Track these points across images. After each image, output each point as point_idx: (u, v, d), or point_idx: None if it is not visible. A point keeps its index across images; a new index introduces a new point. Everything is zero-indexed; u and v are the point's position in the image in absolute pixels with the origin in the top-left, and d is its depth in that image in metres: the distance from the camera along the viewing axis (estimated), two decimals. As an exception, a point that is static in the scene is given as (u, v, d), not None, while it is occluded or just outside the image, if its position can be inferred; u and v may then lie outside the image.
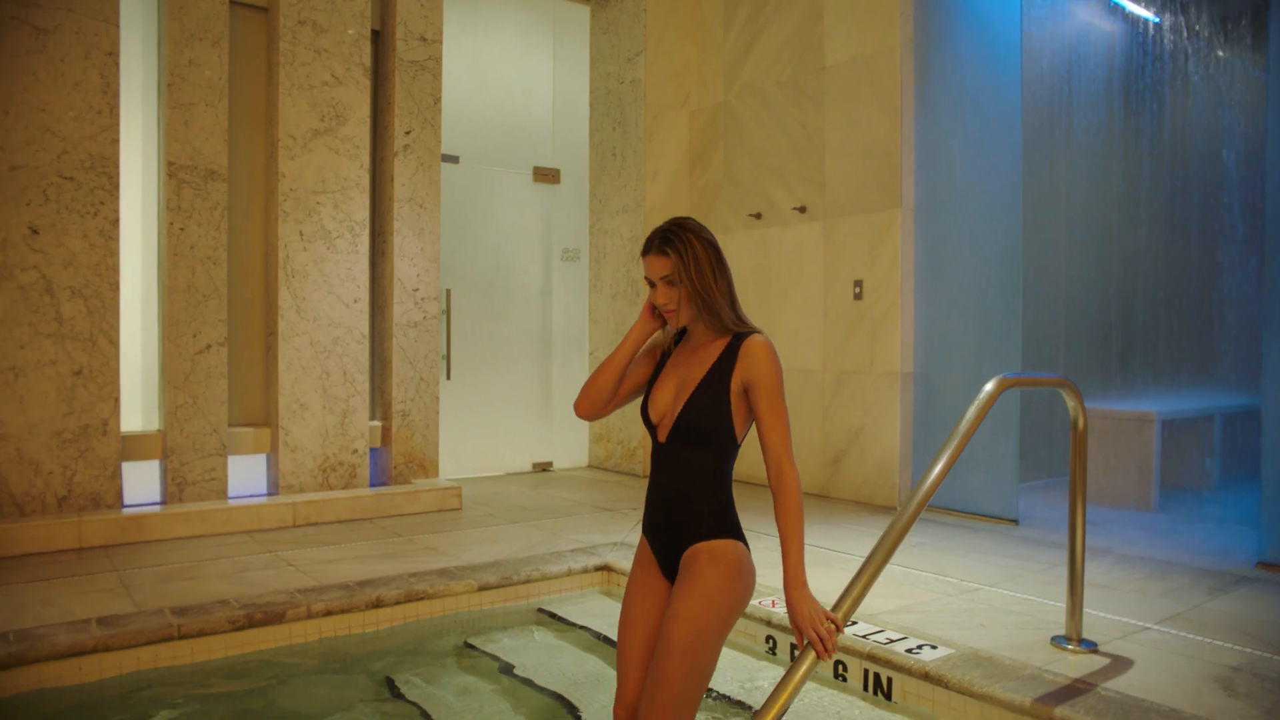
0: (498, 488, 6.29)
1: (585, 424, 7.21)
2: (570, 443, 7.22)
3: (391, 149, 5.53)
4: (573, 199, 7.26)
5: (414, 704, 2.86)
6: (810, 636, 1.93)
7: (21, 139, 4.39)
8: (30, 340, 4.43)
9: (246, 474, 5.23)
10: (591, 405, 2.18)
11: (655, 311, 2.13)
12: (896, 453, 5.45)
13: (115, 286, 4.64)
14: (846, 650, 2.96)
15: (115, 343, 4.65)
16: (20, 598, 3.47)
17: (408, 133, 5.56)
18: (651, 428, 2.16)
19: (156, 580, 3.75)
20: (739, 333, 2.08)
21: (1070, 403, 2.89)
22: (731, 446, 2.09)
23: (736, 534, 2.09)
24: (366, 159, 5.38)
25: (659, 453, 2.15)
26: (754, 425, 2.10)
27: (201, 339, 4.89)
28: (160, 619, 3.18)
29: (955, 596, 3.55)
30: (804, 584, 1.97)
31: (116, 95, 4.63)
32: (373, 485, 5.51)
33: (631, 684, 2.09)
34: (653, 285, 2.08)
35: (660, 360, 2.22)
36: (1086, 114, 6.48)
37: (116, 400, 4.65)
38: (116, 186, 4.64)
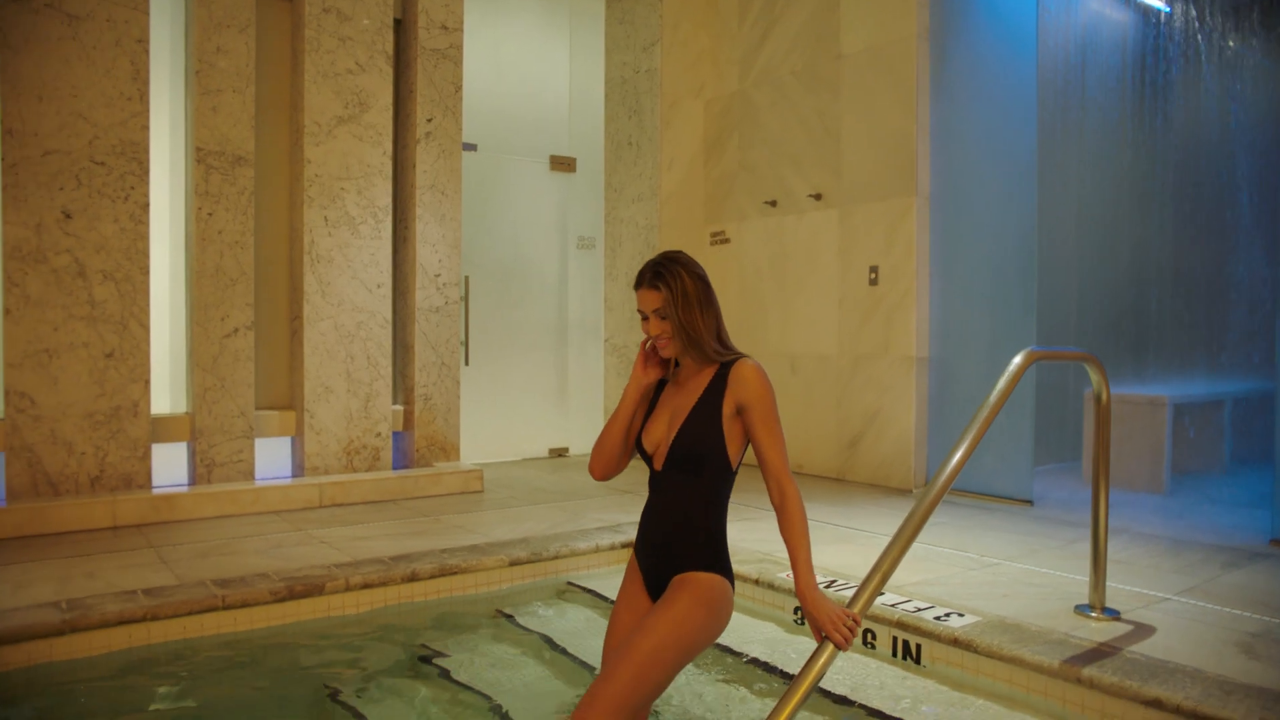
0: (516, 472, 6.37)
1: (600, 410, 7.29)
2: (585, 428, 7.30)
3: (414, 136, 5.60)
4: (588, 188, 7.34)
5: (449, 671, 2.93)
6: (835, 638, 1.98)
7: (54, 124, 4.46)
8: (63, 323, 4.51)
9: (270, 457, 5.31)
10: (606, 467, 2.24)
11: (649, 363, 2.19)
12: (912, 435, 5.52)
13: (145, 270, 4.72)
14: (875, 618, 3.04)
15: (145, 326, 4.73)
16: (64, 571, 3.56)
17: (429, 120, 5.63)
18: (647, 458, 2.21)
19: (193, 556, 3.84)
20: (728, 360, 2.14)
21: (1094, 377, 2.97)
22: (727, 473, 2.14)
23: (724, 569, 2.14)
24: (389, 146, 5.45)
25: (655, 481, 2.20)
26: (750, 448, 2.15)
27: (229, 322, 4.97)
28: (204, 590, 3.27)
29: (977, 570, 3.63)
30: (817, 587, 2.03)
31: (146, 82, 4.70)
32: (395, 468, 5.59)
33: None
34: (645, 318, 2.15)
35: (655, 392, 2.26)
36: (1099, 103, 6.54)
37: (147, 382, 4.73)
38: (146, 172, 4.71)
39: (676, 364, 2.23)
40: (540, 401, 7.12)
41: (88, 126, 4.54)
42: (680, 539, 2.12)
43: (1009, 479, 5.13)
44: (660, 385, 2.27)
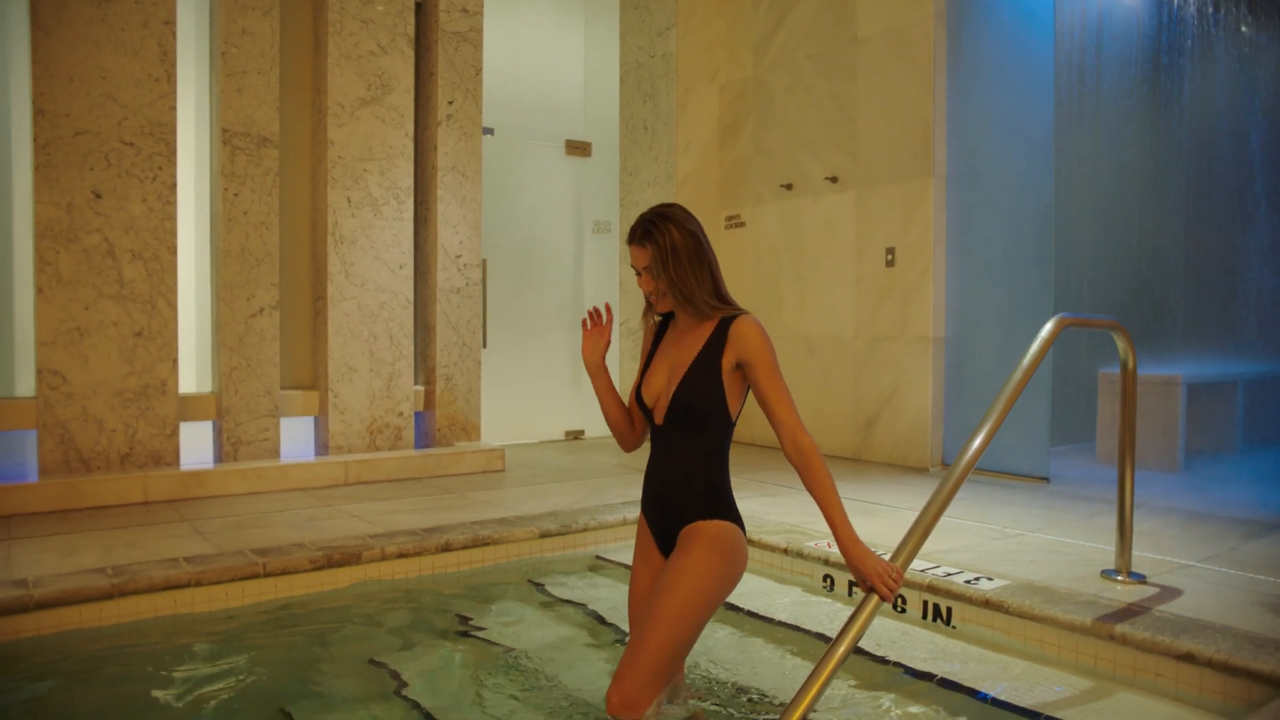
0: (534, 453, 6.42)
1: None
2: (601, 412, 7.35)
3: (435, 118, 5.65)
4: (604, 172, 7.38)
5: (485, 636, 2.99)
6: (880, 590, 2.00)
7: (85, 105, 4.51)
8: (94, 301, 4.56)
9: (293, 436, 5.36)
10: (624, 440, 2.34)
11: (590, 338, 2.26)
12: (929, 414, 5.58)
13: (173, 250, 4.77)
14: (905, 583, 3.10)
15: (173, 305, 4.78)
16: (106, 541, 3.62)
17: (450, 102, 5.68)
18: (647, 411, 2.21)
19: (228, 528, 3.90)
20: (726, 315, 2.14)
21: (1121, 344, 3.02)
22: (727, 426, 2.15)
23: (732, 515, 2.16)
24: (411, 128, 5.50)
25: (656, 435, 2.22)
26: (753, 403, 2.18)
27: (255, 302, 5.02)
28: (244, 558, 3.33)
29: (1001, 540, 3.69)
30: (859, 540, 2.03)
31: (174, 63, 4.74)
32: (417, 448, 5.65)
33: None
34: (639, 274, 2.17)
35: (652, 346, 2.28)
36: (1114, 84, 6.59)
37: (175, 361, 4.78)
38: (174, 152, 4.76)
39: (671, 316, 2.25)
40: (556, 384, 7.17)
41: (116, 107, 4.59)
42: (684, 492, 2.15)
43: (1025, 457, 5.19)
44: (658, 337, 2.28)
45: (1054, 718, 2.30)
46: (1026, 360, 2.65)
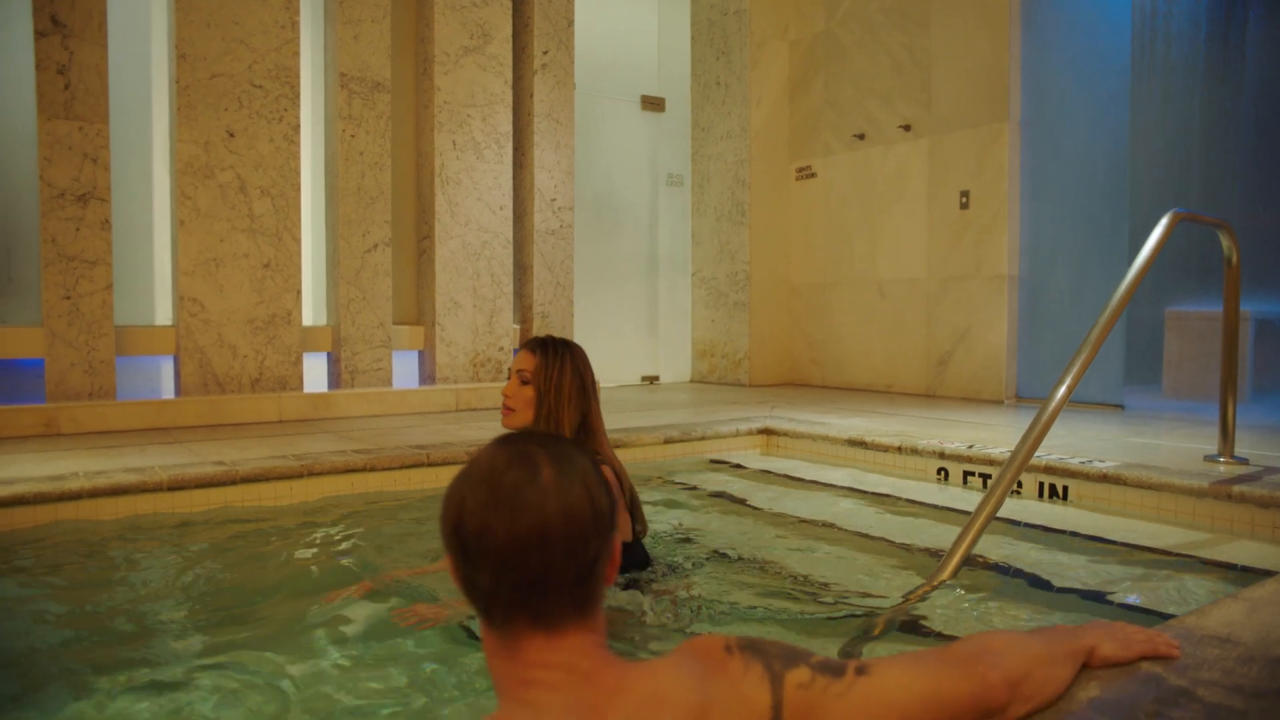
0: (617, 394, 6.71)
1: (688, 341, 7.63)
2: (675, 359, 7.64)
3: (531, 67, 5.92)
4: (677, 127, 7.63)
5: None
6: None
7: (219, 49, 4.81)
8: (228, 234, 4.88)
9: (397, 370, 5.66)
10: None
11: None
12: (1004, 350, 5.82)
13: (297, 188, 5.07)
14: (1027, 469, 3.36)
15: (297, 240, 5.09)
16: (269, 443, 3.93)
17: (545, 52, 5.95)
18: None
19: (371, 436, 4.20)
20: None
21: (1225, 242, 3.26)
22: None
23: None
24: (510, 75, 5.77)
25: None
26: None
27: (370, 238, 5.33)
28: (408, 450, 3.63)
29: (1095, 441, 3.94)
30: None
31: (297, 11, 5.03)
32: (513, 382, 5.94)
33: None
34: (510, 376, 2.24)
35: None
36: (1189, 25, 6.73)
37: (298, 293, 5.10)
38: (297, 95, 5.06)
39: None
40: (632, 331, 7.45)
41: (247, 52, 4.89)
42: None
43: (1100, 385, 5.42)
44: None
45: (1187, 554, 2.57)
46: (1144, 254, 2.90)
